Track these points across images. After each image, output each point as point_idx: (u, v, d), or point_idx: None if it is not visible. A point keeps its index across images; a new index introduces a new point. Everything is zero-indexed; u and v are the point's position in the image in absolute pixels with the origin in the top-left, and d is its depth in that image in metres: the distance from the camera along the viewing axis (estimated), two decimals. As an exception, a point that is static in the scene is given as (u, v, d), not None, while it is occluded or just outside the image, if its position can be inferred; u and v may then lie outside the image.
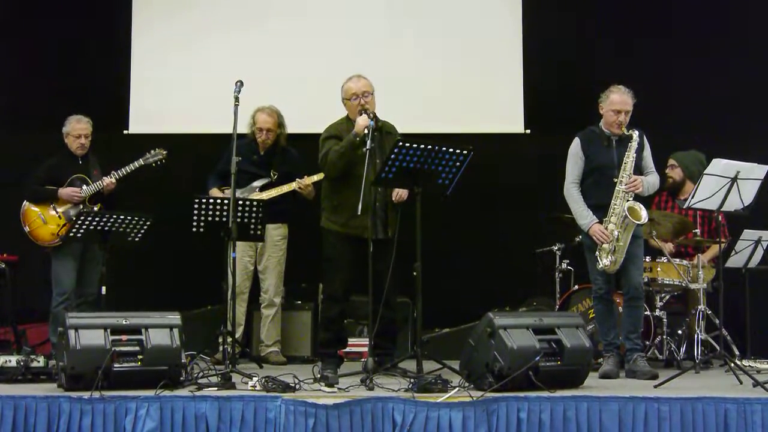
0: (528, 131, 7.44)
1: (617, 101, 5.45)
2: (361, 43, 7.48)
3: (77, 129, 6.31)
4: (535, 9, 7.49)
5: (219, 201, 5.66)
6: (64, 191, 6.21)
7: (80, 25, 7.65)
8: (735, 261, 6.29)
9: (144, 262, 6.94)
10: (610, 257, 5.39)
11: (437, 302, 5.90)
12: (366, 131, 5.21)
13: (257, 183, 6.40)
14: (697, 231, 6.23)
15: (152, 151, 6.35)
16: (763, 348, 6.35)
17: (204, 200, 5.66)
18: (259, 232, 5.78)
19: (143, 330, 4.62)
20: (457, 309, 6.86)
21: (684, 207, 5.68)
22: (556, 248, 6.80)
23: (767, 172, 5.15)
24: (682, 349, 6.02)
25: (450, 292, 6.99)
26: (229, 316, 5.60)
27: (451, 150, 4.91)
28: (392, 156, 4.87)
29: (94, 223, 5.60)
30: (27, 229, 6.23)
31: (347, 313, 5.85)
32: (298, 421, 4.13)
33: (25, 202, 6.28)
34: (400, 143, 4.86)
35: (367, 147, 5.10)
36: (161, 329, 4.66)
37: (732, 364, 4.99)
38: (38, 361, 4.90)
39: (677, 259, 6.15)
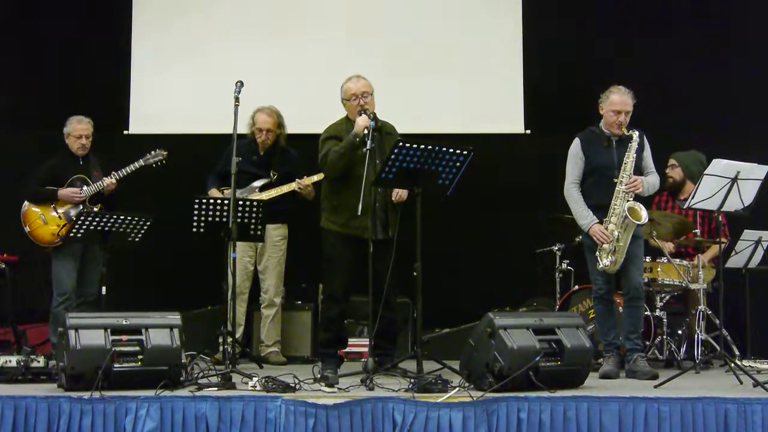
0: (528, 131, 7.44)
1: (617, 101, 5.45)
2: (361, 43, 7.48)
3: (78, 129, 6.31)
4: (535, 9, 7.49)
5: (219, 201, 5.66)
6: (64, 192, 6.22)
7: (80, 25, 7.65)
8: (735, 261, 6.29)
9: (144, 262, 6.94)
10: (610, 257, 5.39)
11: (437, 302, 5.91)
12: (366, 131, 5.21)
13: (257, 183, 6.41)
14: (697, 231, 6.23)
15: (153, 152, 6.36)
16: (763, 348, 6.35)
17: (204, 200, 5.66)
18: (259, 233, 5.78)
19: (143, 330, 4.62)
20: (457, 309, 6.86)
21: (684, 207, 5.69)
22: (556, 248, 6.80)
23: (767, 173, 5.15)
24: (682, 350, 6.02)
25: (450, 292, 6.99)
26: (229, 316, 5.60)
27: (451, 150, 4.91)
28: (392, 156, 4.87)
29: (95, 223, 5.60)
30: (27, 229, 6.23)
31: (347, 313, 5.84)
32: (298, 421, 4.13)
33: (25, 202, 6.28)
34: (400, 143, 4.86)
35: (367, 147, 5.10)
36: (161, 329, 4.66)
37: (732, 365, 4.99)
38: (38, 361, 4.90)
39: (677, 259, 6.15)
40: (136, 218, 5.65)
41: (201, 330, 6.24)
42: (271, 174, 6.43)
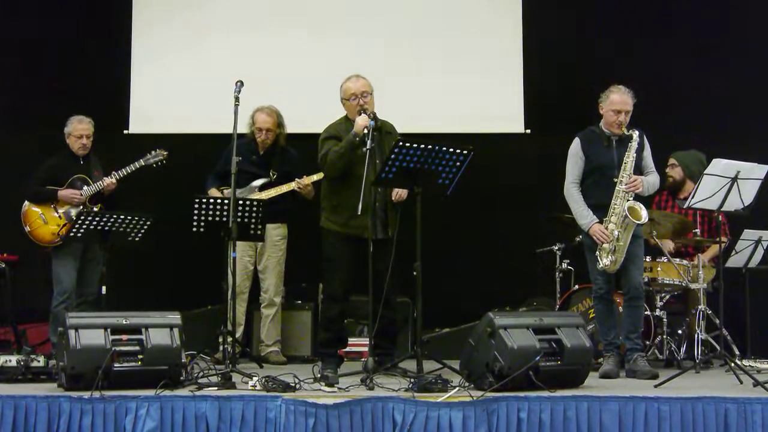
0: (528, 131, 7.44)
1: (617, 101, 5.45)
2: (361, 43, 7.48)
3: (79, 129, 6.31)
4: (535, 9, 7.49)
5: (219, 201, 5.66)
6: (64, 193, 6.22)
7: (80, 25, 7.65)
8: (735, 261, 6.29)
9: (144, 262, 6.94)
10: (610, 257, 5.39)
11: (437, 302, 5.91)
12: (365, 131, 5.21)
13: (256, 183, 6.40)
14: (697, 231, 6.23)
15: (153, 152, 6.36)
16: (763, 348, 6.35)
17: (204, 200, 5.66)
18: (259, 232, 5.78)
19: (143, 330, 4.62)
20: (457, 309, 6.86)
21: (684, 207, 5.69)
22: (557, 248, 6.80)
23: (767, 172, 5.15)
24: (683, 349, 6.02)
25: (450, 292, 6.99)
26: (229, 316, 5.60)
27: (451, 150, 4.91)
28: (392, 156, 4.87)
29: (95, 223, 5.60)
30: (27, 229, 6.23)
31: (347, 313, 5.85)
32: (298, 421, 4.13)
33: (26, 202, 6.28)
34: (400, 143, 4.86)
35: (367, 147, 5.10)
36: (161, 329, 4.66)
37: (732, 364, 4.99)
38: (38, 361, 4.90)
39: (677, 259, 6.15)
40: (136, 218, 5.65)
41: (201, 330, 6.24)
42: (271, 173, 6.43)
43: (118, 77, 7.57)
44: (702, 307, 5.97)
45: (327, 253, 5.56)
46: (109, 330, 4.56)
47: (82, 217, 5.61)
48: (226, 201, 5.59)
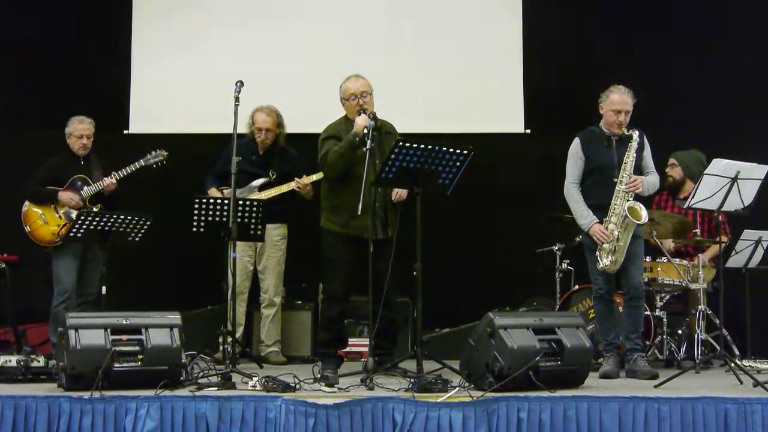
0: (528, 131, 7.44)
1: (617, 101, 5.45)
2: (361, 43, 7.47)
3: (79, 129, 6.32)
4: (535, 9, 7.49)
5: (219, 201, 5.66)
6: (63, 195, 6.21)
7: (80, 25, 7.66)
8: (735, 261, 6.29)
9: (144, 262, 6.94)
10: (610, 257, 5.39)
11: (437, 302, 5.91)
12: (365, 131, 5.21)
13: (256, 183, 6.40)
14: (697, 231, 6.23)
15: (153, 152, 6.37)
16: (763, 348, 6.35)
17: (204, 200, 5.66)
18: (259, 232, 5.78)
19: (143, 330, 4.62)
20: (457, 309, 6.86)
21: (684, 207, 5.69)
22: (557, 248, 6.80)
23: (767, 172, 5.15)
24: (683, 349, 6.02)
25: (450, 292, 6.99)
26: (229, 316, 5.60)
27: (451, 150, 4.91)
28: (392, 156, 4.87)
29: (95, 223, 5.60)
30: (28, 229, 6.23)
31: (347, 313, 5.84)
32: (298, 421, 4.13)
33: (26, 202, 6.29)
34: (400, 143, 4.86)
35: (367, 147, 5.10)
36: (161, 329, 4.66)
37: (732, 364, 4.99)
38: (38, 361, 4.90)
39: (677, 259, 6.15)
40: (136, 218, 5.65)
41: (201, 330, 6.24)
42: (270, 173, 6.43)
43: (118, 77, 7.57)
44: (702, 307, 5.97)
45: (327, 253, 5.56)
46: (109, 330, 4.56)
47: (82, 218, 5.61)
48: (226, 201, 5.59)
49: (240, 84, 5.45)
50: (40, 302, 6.64)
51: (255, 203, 5.74)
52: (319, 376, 4.76)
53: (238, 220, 5.57)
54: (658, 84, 7.13)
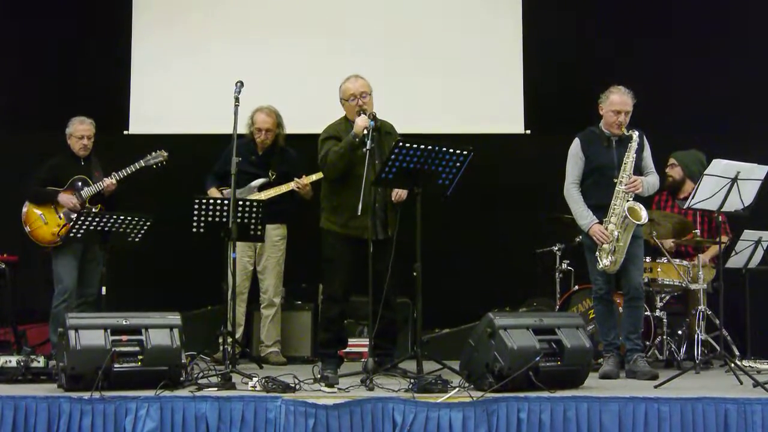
0: (528, 131, 7.44)
1: (617, 102, 5.45)
2: (361, 43, 7.47)
3: (80, 130, 6.32)
4: (535, 9, 7.49)
5: (219, 201, 5.66)
6: (63, 197, 6.22)
7: (80, 25, 7.66)
8: (735, 261, 6.29)
9: (144, 262, 6.93)
10: (610, 257, 5.39)
11: (437, 302, 5.90)
12: (365, 132, 5.21)
13: (255, 183, 6.40)
14: (697, 231, 6.23)
15: (153, 153, 6.37)
16: (763, 348, 6.35)
17: (204, 201, 5.66)
18: (259, 233, 5.78)
19: (143, 330, 4.62)
20: (457, 309, 6.86)
21: (684, 207, 5.69)
22: (556, 248, 6.80)
23: (767, 173, 5.15)
24: (682, 350, 6.02)
25: (450, 292, 6.99)
26: (229, 317, 5.60)
27: (451, 150, 4.91)
28: (392, 156, 4.87)
29: (94, 223, 5.60)
30: (28, 229, 6.23)
31: (347, 313, 5.84)
32: (298, 422, 4.13)
33: (26, 202, 6.29)
34: (400, 143, 4.86)
35: (367, 147, 5.10)
36: (161, 329, 4.66)
37: (732, 365, 4.99)
38: (38, 362, 4.90)
39: (677, 260, 6.15)
40: (136, 218, 5.65)
41: (201, 330, 6.24)
42: (270, 174, 6.43)
43: (118, 77, 7.57)
44: (702, 307, 5.97)
45: (327, 253, 5.55)
46: (109, 330, 4.56)
47: (82, 218, 5.61)
48: (225, 202, 5.59)
49: (240, 84, 5.45)
50: (40, 302, 6.65)
51: (255, 204, 5.74)
52: (319, 376, 4.76)
53: (238, 220, 5.57)
54: (658, 84, 7.14)
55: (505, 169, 7.31)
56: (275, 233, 6.44)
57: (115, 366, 4.49)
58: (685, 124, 7.09)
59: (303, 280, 6.96)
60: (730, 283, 6.08)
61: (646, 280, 5.92)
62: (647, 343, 5.97)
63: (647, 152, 5.59)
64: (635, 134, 5.43)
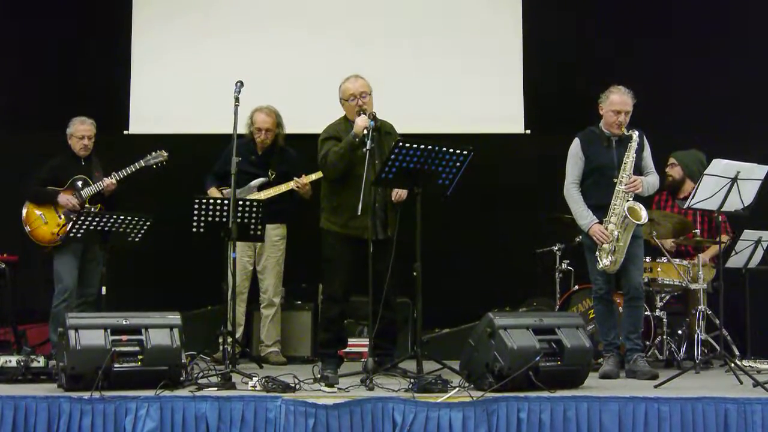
0: (528, 131, 7.44)
1: (617, 102, 5.45)
2: (361, 43, 7.47)
3: (81, 130, 6.32)
4: (535, 9, 7.49)
5: (219, 201, 5.66)
6: (62, 198, 6.22)
7: (80, 25, 7.65)
8: (735, 261, 6.29)
9: (144, 262, 6.94)
10: (610, 257, 5.39)
11: (437, 302, 5.90)
12: (365, 132, 5.21)
13: (255, 183, 6.40)
14: (697, 231, 6.23)
15: (153, 153, 6.38)
16: (763, 348, 6.35)
17: (204, 200, 5.66)
18: (259, 233, 5.78)
19: (143, 330, 4.62)
20: (457, 309, 6.86)
21: (684, 207, 5.69)
22: (556, 248, 6.80)
23: (767, 173, 5.15)
24: (682, 350, 6.02)
25: (450, 292, 6.99)
26: (229, 316, 5.60)
27: (451, 150, 4.91)
28: (392, 156, 4.87)
29: (94, 223, 5.60)
30: (28, 229, 6.24)
31: (347, 313, 5.84)
32: (298, 421, 4.13)
33: (26, 202, 6.29)
34: (400, 143, 4.86)
35: (367, 147, 5.10)
36: (161, 329, 4.66)
37: (732, 365, 4.99)
38: (38, 361, 4.90)
39: (677, 259, 6.15)
40: (136, 218, 5.65)
41: (201, 330, 6.24)
42: (270, 173, 6.43)
43: (118, 77, 7.57)
44: (702, 307, 5.97)
45: (327, 253, 5.55)
46: (109, 330, 4.56)
47: (82, 218, 5.61)
48: (225, 201, 5.59)
49: (240, 84, 5.45)
50: (40, 302, 6.65)
51: (255, 203, 5.74)
52: (319, 376, 4.76)
53: (238, 220, 5.57)
54: (658, 84, 7.13)
55: (505, 169, 7.31)
56: (275, 233, 6.44)
57: (115, 366, 4.49)
58: (685, 124, 7.09)
59: (303, 280, 6.96)
60: (730, 283, 6.08)
61: (646, 280, 5.92)
62: (647, 343, 5.97)
63: (647, 152, 5.59)
64: (635, 134, 5.43)
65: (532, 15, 7.48)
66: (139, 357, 4.55)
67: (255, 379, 4.60)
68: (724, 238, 5.73)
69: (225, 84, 5.67)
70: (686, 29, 7.41)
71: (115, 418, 4.18)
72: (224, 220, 5.58)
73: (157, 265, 7.19)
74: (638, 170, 5.50)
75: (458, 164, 4.95)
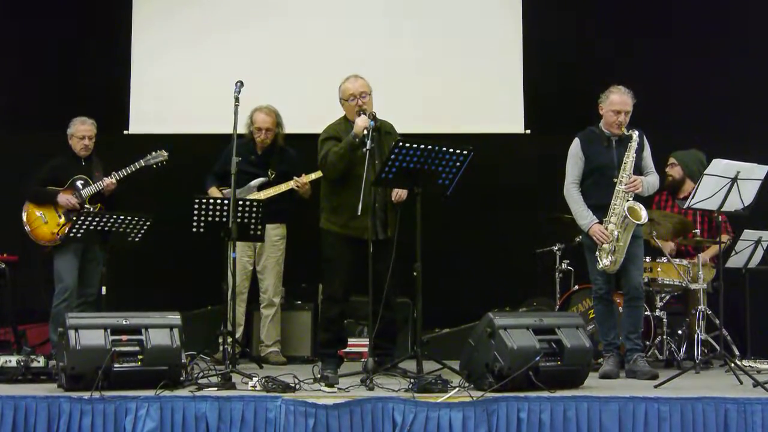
0: (528, 131, 7.44)
1: (617, 101, 5.45)
2: (361, 43, 7.47)
3: (81, 130, 6.33)
4: (535, 9, 7.49)
5: (219, 201, 5.66)
6: (62, 198, 6.22)
7: (80, 25, 7.65)
8: (735, 261, 6.29)
9: (144, 262, 6.93)
10: (610, 257, 5.39)
11: (437, 302, 5.91)
12: (365, 132, 5.20)
13: (255, 182, 6.40)
14: (697, 231, 6.23)
15: (154, 152, 6.38)
16: (763, 348, 6.36)
17: (204, 200, 5.66)
18: (259, 233, 5.78)
19: (143, 330, 4.62)
20: (457, 309, 6.86)
21: (684, 207, 5.69)
22: (556, 248, 6.80)
23: (767, 173, 5.15)
24: (682, 350, 6.02)
25: (450, 292, 6.99)
26: (229, 316, 5.60)
27: (451, 150, 4.91)
28: (392, 156, 4.87)
29: (94, 223, 5.61)
30: (28, 228, 6.24)
31: (347, 313, 5.84)
32: (298, 421, 4.13)
33: (27, 202, 6.29)
34: (400, 143, 4.86)
35: (367, 147, 5.10)
36: (161, 329, 4.66)
37: (732, 364, 4.99)
38: (38, 361, 4.90)
39: (677, 259, 6.15)
40: (136, 218, 5.65)
41: (201, 330, 6.24)
42: (269, 173, 6.43)
43: (118, 77, 7.57)
44: (702, 307, 5.97)
45: (327, 253, 5.55)
46: (109, 330, 4.56)
47: (82, 218, 5.61)
48: (225, 201, 5.59)
49: (240, 84, 5.45)
50: (40, 302, 6.64)
51: (255, 203, 5.74)
52: (319, 376, 4.76)
53: (238, 220, 5.57)
54: (658, 84, 7.14)
55: (505, 169, 7.31)
56: (274, 233, 6.44)
57: (115, 366, 4.49)
58: (685, 124, 7.09)
59: (303, 280, 6.96)
60: (730, 283, 6.09)
61: (646, 279, 5.92)
62: (647, 343, 5.97)
63: (647, 152, 5.59)
64: (635, 134, 5.43)
65: (532, 15, 7.48)
66: (139, 357, 4.55)
67: (255, 379, 4.60)
68: (725, 238, 5.73)
69: (225, 84, 5.67)
70: (686, 29, 7.41)
71: (115, 418, 4.18)
72: (224, 220, 5.58)
73: (157, 265, 7.19)
74: (638, 170, 5.50)
75: (458, 164, 4.95)
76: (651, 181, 5.56)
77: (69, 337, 4.47)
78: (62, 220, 6.22)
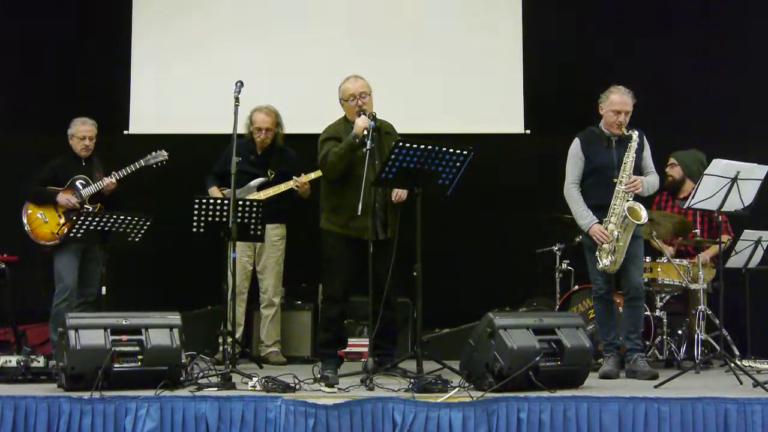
0: (528, 131, 7.44)
1: (617, 102, 5.45)
2: (361, 43, 7.47)
3: (82, 131, 6.33)
4: (535, 9, 7.49)
5: (219, 201, 5.66)
6: (61, 198, 6.22)
7: (80, 25, 7.66)
8: (735, 261, 6.30)
9: (144, 262, 6.94)
10: (610, 257, 5.39)
11: (437, 302, 5.90)
12: (365, 132, 5.20)
13: (254, 182, 6.40)
14: (697, 231, 6.23)
15: (153, 153, 6.38)
16: (763, 348, 6.35)
17: (204, 200, 5.66)
18: (259, 233, 5.78)
19: (143, 330, 4.62)
20: (457, 309, 6.86)
21: (684, 207, 5.69)
22: (556, 248, 6.80)
23: (767, 173, 5.15)
24: (682, 350, 6.02)
25: (450, 292, 6.99)
26: (229, 316, 5.60)
27: (451, 150, 4.91)
28: (392, 156, 4.87)
29: (94, 223, 5.61)
30: (28, 228, 6.24)
31: (347, 313, 5.84)
32: (298, 421, 4.13)
33: (27, 203, 6.29)
34: (400, 143, 4.86)
35: (367, 147, 5.10)
36: (161, 329, 4.66)
37: (732, 365, 4.99)
38: (38, 361, 4.90)
39: (677, 260, 6.15)
40: (136, 218, 5.65)
41: (201, 330, 6.24)
42: (269, 173, 6.43)
43: (118, 77, 7.57)
44: (702, 307, 5.97)
45: (327, 254, 5.55)
46: (109, 330, 4.56)
47: (82, 218, 5.61)
48: (225, 201, 5.59)
49: (240, 84, 5.45)
50: (40, 302, 6.65)
51: (255, 203, 5.74)
52: (319, 376, 4.76)
53: (238, 220, 5.57)
54: (658, 84, 7.14)
55: (505, 169, 7.31)
56: (274, 233, 6.44)
57: (115, 366, 4.49)
58: (685, 124, 7.09)
59: (303, 280, 6.96)
60: (730, 283, 6.08)
61: (646, 280, 5.92)
62: (647, 343, 5.97)
63: (647, 152, 5.59)
64: (635, 134, 5.43)
65: (532, 15, 7.48)
66: (139, 357, 4.55)
67: (255, 379, 4.60)
68: (725, 238, 5.72)
69: (225, 84, 5.67)
70: (686, 29, 7.41)
71: (115, 418, 4.18)
72: (224, 220, 5.58)
73: (157, 265, 7.19)
74: (638, 170, 5.50)
75: (458, 164, 4.95)
76: (651, 182, 5.56)
77: (69, 337, 4.47)
78: (62, 220, 6.22)
